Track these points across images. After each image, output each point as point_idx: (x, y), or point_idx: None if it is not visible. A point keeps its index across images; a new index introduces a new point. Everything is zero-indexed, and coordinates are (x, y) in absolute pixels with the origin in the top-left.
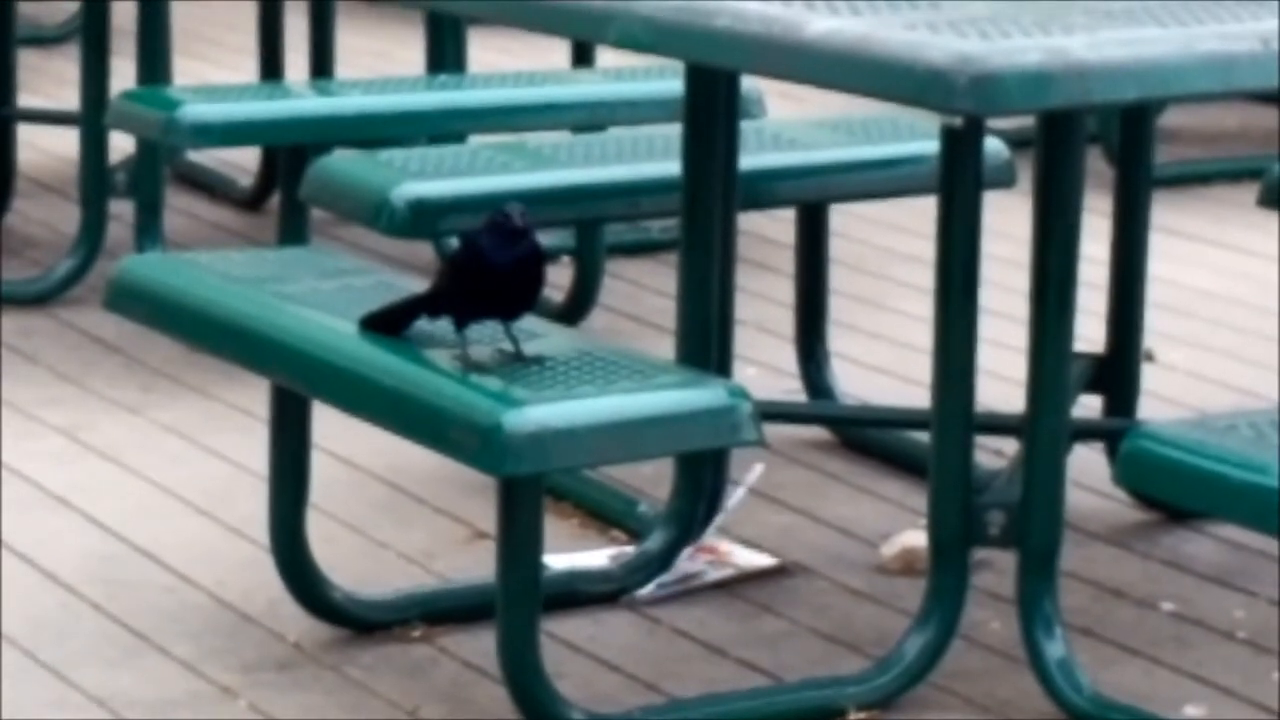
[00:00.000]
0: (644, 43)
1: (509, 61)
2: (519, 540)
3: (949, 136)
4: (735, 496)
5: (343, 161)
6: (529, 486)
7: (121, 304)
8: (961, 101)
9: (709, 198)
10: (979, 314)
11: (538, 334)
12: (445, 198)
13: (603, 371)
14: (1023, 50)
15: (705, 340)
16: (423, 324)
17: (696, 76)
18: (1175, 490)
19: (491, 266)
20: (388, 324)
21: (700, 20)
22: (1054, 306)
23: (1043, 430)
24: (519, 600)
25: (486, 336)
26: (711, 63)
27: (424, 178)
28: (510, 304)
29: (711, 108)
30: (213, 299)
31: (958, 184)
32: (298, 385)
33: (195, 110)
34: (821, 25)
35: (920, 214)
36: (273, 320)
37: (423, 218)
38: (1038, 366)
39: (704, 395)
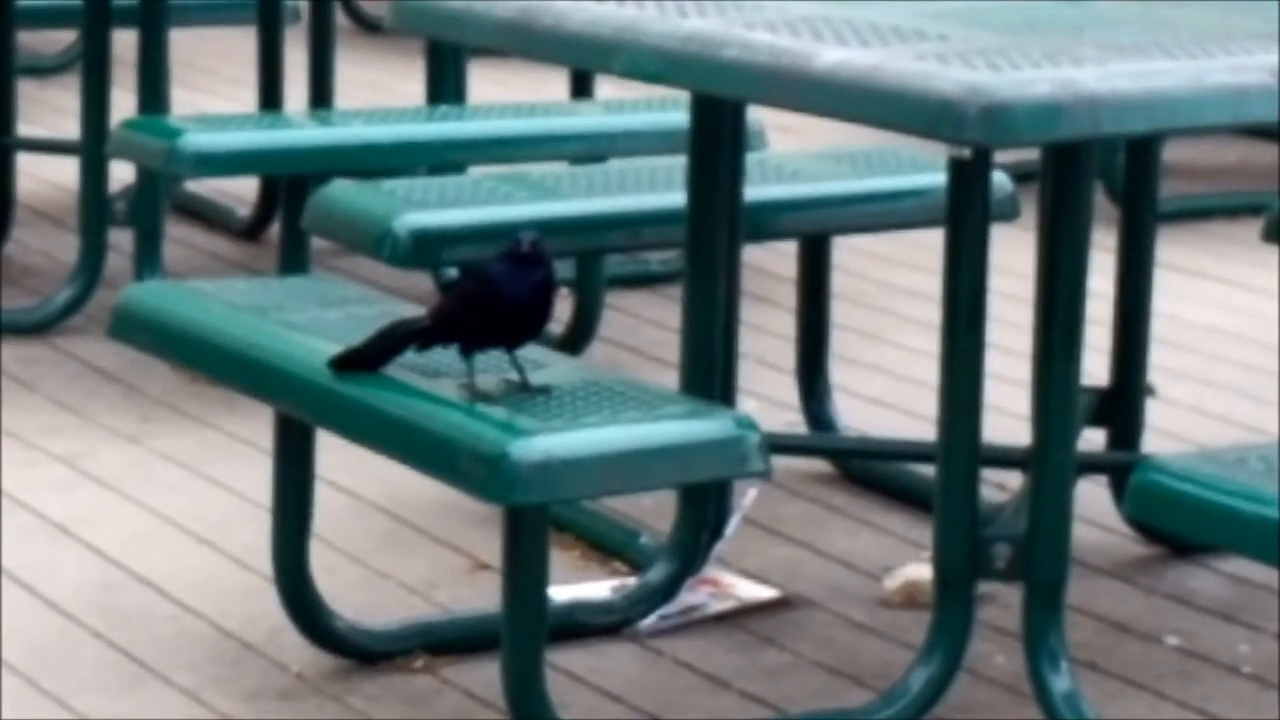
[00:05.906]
0: (651, 73)
1: (507, 94)
2: (525, 571)
3: (957, 168)
4: (731, 523)
5: (345, 191)
6: (535, 517)
7: (125, 332)
8: (971, 132)
9: (714, 228)
10: None
11: (543, 364)
12: (448, 228)
13: (609, 401)
14: (1032, 81)
15: (709, 372)
16: (409, 356)
17: (702, 107)
18: (1185, 523)
19: (505, 296)
20: (365, 360)
21: (708, 51)
22: (1061, 339)
23: (1050, 463)
24: (524, 631)
25: (491, 366)
26: (720, 93)
27: (426, 208)
28: (518, 333)
29: (717, 139)
30: (217, 327)
31: (965, 216)
32: (303, 414)
33: (197, 139)
34: (831, 56)
35: (918, 248)
36: (278, 349)
37: (425, 247)
38: (1045, 399)
39: (711, 426)
